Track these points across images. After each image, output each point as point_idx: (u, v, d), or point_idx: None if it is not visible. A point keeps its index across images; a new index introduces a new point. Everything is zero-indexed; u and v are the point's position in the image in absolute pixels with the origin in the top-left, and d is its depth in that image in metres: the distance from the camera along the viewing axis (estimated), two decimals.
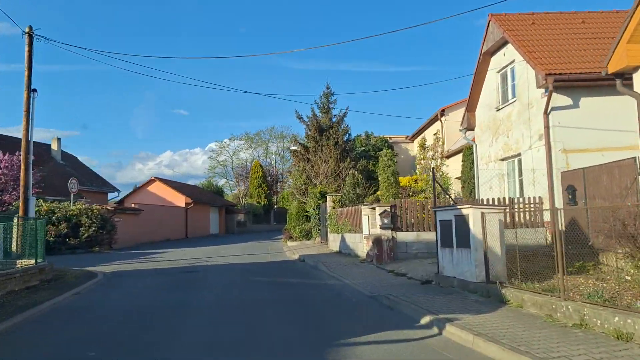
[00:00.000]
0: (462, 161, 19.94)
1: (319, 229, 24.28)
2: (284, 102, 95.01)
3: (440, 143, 20.54)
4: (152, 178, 36.25)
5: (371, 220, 14.69)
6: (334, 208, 19.06)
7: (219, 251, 22.31)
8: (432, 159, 20.92)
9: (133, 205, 28.24)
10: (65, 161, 38.47)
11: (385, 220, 13.59)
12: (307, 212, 26.20)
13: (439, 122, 28.91)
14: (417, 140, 35.63)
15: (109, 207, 25.04)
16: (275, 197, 53.12)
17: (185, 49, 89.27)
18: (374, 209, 14.55)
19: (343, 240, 17.44)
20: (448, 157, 25.52)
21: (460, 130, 20.33)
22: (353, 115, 43.06)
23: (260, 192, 47.65)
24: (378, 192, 22.87)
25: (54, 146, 37.64)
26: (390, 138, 37.19)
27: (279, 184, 55.16)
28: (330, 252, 18.53)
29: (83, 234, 22.73)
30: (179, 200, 35.74)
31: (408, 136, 37.37)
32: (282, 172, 55.67)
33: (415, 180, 23.95)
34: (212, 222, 41.45)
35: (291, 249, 21.78)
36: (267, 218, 48.76)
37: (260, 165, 49.25)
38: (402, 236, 13.77)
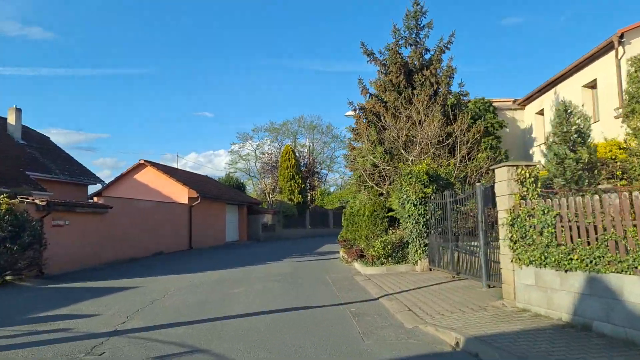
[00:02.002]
0: None
1: (425, 245, 12.54)
2: (309, 94, 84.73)
3: None
4: (141, 162, 25.01)
5: None
6: (526, 200, 7.17)
7: (232, 290, 10.82)
8: None
9: (95, 199, 17.12)
10: (27, 140, 27.80)
11: None
12: (391, 211, 14.57)
13: (611, 54, 16.79)
14: (536, 103, 23.50)
15: (38, 202, 13.88)
16: (310, 193, 41.52)
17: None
18: None
19: (609, 294, 5.60)
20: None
21: None
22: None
23: (292, 187, 36.04)
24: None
25: (11, 119, 26.91)
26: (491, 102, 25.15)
27: (315, 176, 43.57)
28: (532, 321, 6.67)
29: None
30: (181, 194, 24.57)
31: (516, 100, 25.22)
32: (320, 161, 44.16)
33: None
34: (228, 226, 30.12)
35: (384, 289, 10.07)
36: (301, 221, 37.13)
37: (293, 151, 37.61)
38: None
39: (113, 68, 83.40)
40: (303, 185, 37.22)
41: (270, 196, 38.01)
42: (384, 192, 15.38)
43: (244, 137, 48.40)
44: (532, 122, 24.20)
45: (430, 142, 14.69)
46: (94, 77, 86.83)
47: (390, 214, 14.48)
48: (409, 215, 12.65)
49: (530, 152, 23.62)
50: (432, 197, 12.24)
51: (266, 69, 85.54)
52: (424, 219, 12.41)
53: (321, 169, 46.90)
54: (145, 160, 25.03)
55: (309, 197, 40.45)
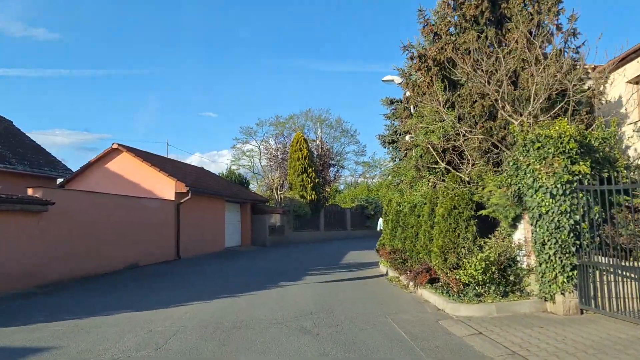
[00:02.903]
0: None
1: (572, 267, 6.99)
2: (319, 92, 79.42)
3: None
4: (115, 146, 19.49)
5: None
6: None
7: None
8: None
9: (30, 191, 11.73)
10: None
11: None
12: (480, 208, 9.06)
13: None
14: (630, 68, 17.88)
15: None
16: (324, 190, 35.99)
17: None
18: None
19: None
20: None
21: None
22: None
23: (304, 182, 30.53)
24: None
25: None
26: None
27: (329, 169, 38.02)
28: None
29: None
30: (166, 188, 19.16)
31: (596, 66, 19.60)
32: (335, 153, 38.53)
33: None
34: (228, 229, 24.68)
35: None
36: (315, 221, 31.62)
37: (304, 140, 32.07)
38: None
39: (116, 69, 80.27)
40: (317, 180, 31.67)
41: (279, 193, 32.55)
42: (466, 178, 9.86)
43: (247, 132, 43.24)
44: (620, 94, 18.60)
45: (541, 99, 9.18)
46: (96, 78, 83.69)
47: (482, 212, 8.96)
48: (540, 215, 7.12)
49: (620, 132, 18.06)
50: (587, 182, 6.75)
51: (270, 69, 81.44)
52: (571, 222, 6.90)
53: (337, 160, 41.77)
54: (119, 145, 19.52)
55: (324, 193, 34.95)
